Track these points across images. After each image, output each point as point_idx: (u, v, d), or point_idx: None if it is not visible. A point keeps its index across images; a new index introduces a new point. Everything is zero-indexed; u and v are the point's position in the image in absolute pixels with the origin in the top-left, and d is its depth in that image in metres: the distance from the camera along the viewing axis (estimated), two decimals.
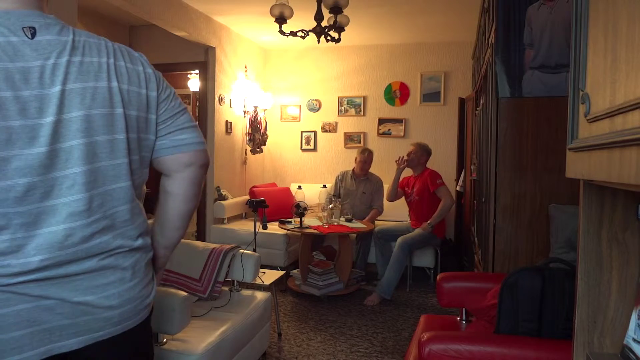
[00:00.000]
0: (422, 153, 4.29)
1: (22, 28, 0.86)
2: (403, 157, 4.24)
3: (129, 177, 1.00)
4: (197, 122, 1.20)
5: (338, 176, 4.82)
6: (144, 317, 1.06)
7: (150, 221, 1.15)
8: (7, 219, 0.85)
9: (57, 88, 0.88)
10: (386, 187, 4.56)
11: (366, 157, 4.58)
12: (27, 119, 0.85)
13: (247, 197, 4.94)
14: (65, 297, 0.92)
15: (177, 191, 1.11)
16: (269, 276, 3.10)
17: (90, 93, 0.92)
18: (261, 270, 2.95)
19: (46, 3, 0.95)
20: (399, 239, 4.02)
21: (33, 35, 0.87)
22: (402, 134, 5.50)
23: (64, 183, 0.90)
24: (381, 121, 5.57)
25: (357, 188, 4.64)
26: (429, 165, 4.41)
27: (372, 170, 4.77)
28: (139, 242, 1.03)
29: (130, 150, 0.99)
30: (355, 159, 4.67)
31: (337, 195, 4.66)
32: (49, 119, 0.87)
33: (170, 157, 1.08)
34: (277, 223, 4.34)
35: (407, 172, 4.40)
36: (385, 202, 4.59)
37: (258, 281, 2.96)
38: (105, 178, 0.95)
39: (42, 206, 0.88)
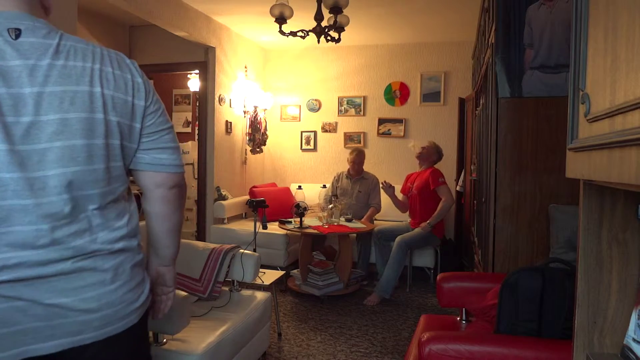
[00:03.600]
0: (434, 152, 4.34)
1: (7, 29, 0.87)
2: (386, 182, 4.29)
3: (107, 183, 0.98)
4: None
5: (334, 177, 4.85)
6: (130, 322, 1.02)
7: (142, 223, 1.14)
8: None
9: (34, 89, 0.87)
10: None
11: (354, 157, 4.61)
12: (1, 115, 0.84)
13: (247, 197, 4.95)
14: (38, 299, 0.90)
15: (153, 210, 1.13)
16: (269, 276, 3.10)
17: (70, 97, 0.91)
18: (261, 270, 2.95)
19: (41, 7, 0.95)
20: (398, 238, 4.02)
21: (17, 36, 0.87)
22: (402, 134, 5.50)
23: (36, 184, 0.88)
24: (381, 121, 5.57)
25: (352, 188, 4.66)
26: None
27: (372, 170, 4.78)
28: (120, 244, 1.00)
29: (111, 157, 0.98)
30: (348, 160, 4.70)
31: (335, 195, 4.66)
32: (24, 119, 0.86)
33: (145, 172, 1.08)
34: (277, 223, 4.34)
35: (415, 167, 4.49)
36: (382, 200, 4.60)
37: (258, 281, 2.96)
38: (82, 182, 0.94)
39: (14, 204, 0.87)
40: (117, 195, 1.03)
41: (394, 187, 4.29)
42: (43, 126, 0.88)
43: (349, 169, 4.72)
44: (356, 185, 4.66)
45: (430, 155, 4.32)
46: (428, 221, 4.06)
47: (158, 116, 1.07)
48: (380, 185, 4.34)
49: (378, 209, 4.62)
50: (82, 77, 0.93)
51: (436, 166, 4.41)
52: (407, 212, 4.45)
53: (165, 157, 1.08)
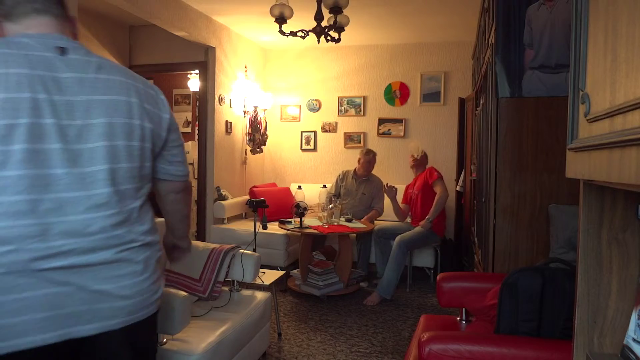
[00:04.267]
0: (424, 157, 4.49)
1: (54, 47, 1.03)
2: (389, 185, 4.34)
3: (140, 180, 1.14)
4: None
5: (339, 175, 4.82)
6: (151, 312, 1.16)
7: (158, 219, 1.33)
8: (35, 204, 0.96)
9: (84, 97, 1.03)
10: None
11: (370, 158, 4.60)
12: (58, 119, 0.99)
13: (247, 197, 4.95)
14: (85, 285, 1.02)
15: (165, 208, 1.39)
16: (269, 276, 3.10)
17: (114, 104, 1.07)
18: (261, 270, 2.95)
19: (71, 32, 1.12)
20: (397, 238, 4.03)
21: (64, 53, 1.04)
22: (402, 134, 5.50)
23: (87, 178, 1.02)
24: (381, 121, 5.57)
25: (357, 189, 4.64)
26: (430, 164, 4.54)
27: (372, 170, 4.77)
28: (149, 238, 1.16)
29: (144, 157, 1.15)
30: (359, 160, 4.66)
31: (337, 195, 4.66)
32: (76, 122, 1.02)
33: (160, 181, 1.29)
34: (277, 223, 4.34)
35: (410, 178, 4.58)
36: (385, 204, 4.60)
37: (258, 281, 2.96)
38: (123, 177, 1.09)
39: (67, 196, 1.00)
40: (146, 193, 1.19)
41: (396, 189, 4.31)
42: (92, 128, 1.04)
43: (355, 169, 4.70)
44: (361, 186, 4.64)
45: (423, 161, 4.48)
46: (427, 217, 4.09)
47: (176, 131, 1.26)
48: (383, 189, 4.34)
49: (380, 213, 4.62)
50: (122, 89, 1.10)
51: (434, 166, 4.48)
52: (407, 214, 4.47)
53: (176, 169, 1.30)
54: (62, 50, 1.03)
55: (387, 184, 4.34)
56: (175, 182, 1.32)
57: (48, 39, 1.03)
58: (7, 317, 0.94)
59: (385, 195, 4.50)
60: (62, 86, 1.00)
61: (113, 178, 1.06)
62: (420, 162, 4.45)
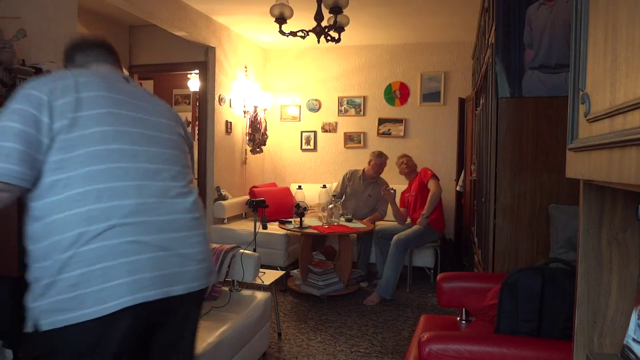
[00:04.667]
0: (411, 162, 4.55)
1: (123, 77, 1.37)
2: (387, 187, 4.38)
3: (188, 170, 1.41)
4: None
5: (346, 174, 4.78)
6: (211, 282, 1.35)
7: None
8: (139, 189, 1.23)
9: (155, 118, 1.33)
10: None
11: (382, 161, 4.59)
12: (144, 129, 1.28)
13: (247, 197, 4.94)
14: (176, 249, 1.22)
15: None
16: (269, 276, 3.10)
17: (166, 124, 1.36)
18: (261, 270, 2.95)
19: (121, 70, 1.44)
20: (394, 237, 4.03)
21: (128, 82, 1.37)
22: (402, 134, 5.50)
23: (169, 159, 1.31)
24: (381, 121, 5.57)
25: (364, 190, 4.63)
26: (429, 164, 4.59)
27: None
28: (199, 213, 1.35)
29: (186, 159, 1.43)
30: (369, 161, 4.64)
31: (340, 195, 4.64)
32: (154, 133, 1.30)
33: None
34: (277, 223, 4.34)
35: (405, 184, 4.64)
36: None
37: (258, 281, 2.96)
38: (183, 166, 1.37)
39: (150, 167, 1.27)
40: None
41: (394, 191, 4.33)
42: (161, 139, 1.32)
43: (364, 169, 4.68)
44: (368, 188, 4.62)
45: (414, 166, 4.54)
46: (422, 213, 4.11)
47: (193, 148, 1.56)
48: (382, 192, 4.35)
49: (383, 215, 4.62)
50: (169, 110, 1.42)
51: (434, 166, 4.54)
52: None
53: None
54: (127, 80, 1.37)
55: (385, 187, 4.37)
56: None
57: (116, 73, 1.37)
58: (123, 276, 1.12)
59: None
60: (138, 107, 1.30)
61: (181, 164, 1.35)
62: (412, 168, 4.51)
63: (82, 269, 1.10)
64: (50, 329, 1.09)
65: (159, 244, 1.19)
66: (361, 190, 4.63)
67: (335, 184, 5.03)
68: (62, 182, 1.12)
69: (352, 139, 5.68)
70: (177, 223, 1.24)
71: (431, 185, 4.21)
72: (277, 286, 3.61)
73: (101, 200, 1.14)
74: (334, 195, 4.60)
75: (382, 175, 4.69)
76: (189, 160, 1.44)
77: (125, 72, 1.49)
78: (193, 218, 1.29)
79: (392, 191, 4.30)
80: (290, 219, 4.21)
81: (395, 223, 4.49)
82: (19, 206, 1.17)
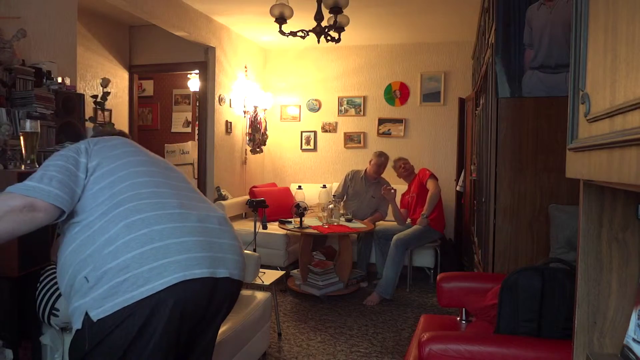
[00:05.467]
0: (408, 164, 4.54)
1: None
2: (388, 187, 4.38)
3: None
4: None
5: (348, 175, 4.76)
6: (242, 278, 1.38)
7: None
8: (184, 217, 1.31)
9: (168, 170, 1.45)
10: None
11: (382, 161, 4.58)
12: (169, 180, 1.39)
13: (247, 197, 4.94)
14: (218, 239, 1.30)
15: None
16: (269, 276, 3.10)
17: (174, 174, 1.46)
18: (261, 270, 2.95)
19: None
20: (394, 237, 4.04)
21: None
22: (402, 134, 5.50)
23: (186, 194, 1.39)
24: (381, 121, 5.57)
25: (366, 191, 4.62)
26: (429, 164, 4.59)
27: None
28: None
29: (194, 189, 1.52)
30: (370, 161, 4.64)
31: (341, 195, 4.64)
32: (172, 182, 1.39)
33: None
34: (277, 223, 4.33)
35: (404, 185, 4.63)
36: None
37: (258, 281, 2.96)
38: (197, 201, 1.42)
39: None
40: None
41: (395, 190, 4.33)
42: (177, 177, 1.43)
43: (366, 170, 4.67)
44: (370, 189, 4.61)
45: (411, 168, 4.55)
46: (422, 213, 4.11)
47: None
48: (382, 192, 4.35)
49: (384, 216, 4.62)
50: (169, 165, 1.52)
51: (434, 166, 4.55)
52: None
53: None
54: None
55: (385, 187, 4.36)
56: None
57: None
58: (173, 255, 1.17)
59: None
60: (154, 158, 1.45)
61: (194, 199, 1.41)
62: (409, 170, 4.52)
63: (132, 252, 1.14)
64: (103, 316, 1.11)
65: (202, 230, 1.26)
66: (363, 190, 4.63)
67: (335, 184, 5.03)
68: (104, 196, 1.24)
69: (352, 139, 5.68)
70: (214, 218, 1.34)
71: (430, 185, 4.22)
72: (277, 286, 3.61)
73: (143, 198, 1.25)
74: (334, 196, 4.60)
75: (384, 177, 4.68)
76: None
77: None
78: (224, 217, 1.39)
79: (392, 191, 4.30)
80: (290, 219, 4.21)
81: (396, 223, 4.49)
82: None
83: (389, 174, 4.79)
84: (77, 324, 1.15)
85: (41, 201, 1.13)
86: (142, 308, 1.11)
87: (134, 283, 1.11)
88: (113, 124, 2.88)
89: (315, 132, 5.81)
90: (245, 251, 2.67)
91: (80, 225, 1.21)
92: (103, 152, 1.31)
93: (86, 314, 1.12)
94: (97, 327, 1.12)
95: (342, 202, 4.48)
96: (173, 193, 1.32)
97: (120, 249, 1.14)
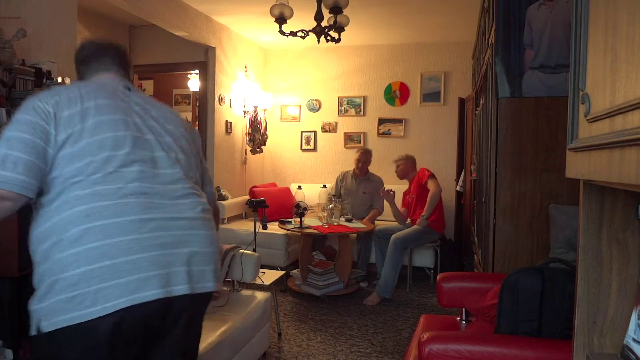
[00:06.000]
0: (407, 162, 4.48)
1: (124, 86, 1.36)
2: (386, 189, 4.38)
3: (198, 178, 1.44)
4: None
5: (339, 176, 4.84)
6: (219, 286, 1.34)
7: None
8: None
9: (154, 112, 1.34)
10: (385, 187, 4.68)
11: (360, 156, 4.62)
12: (137, 132, 1.26)
13: (247, 197, 4.94)
14: (183, 248, 1.22)
15: None
16: (269, 276, 3.10)
17: (172, 130, 1.36)
18: (261, 270, 2.95)
19: (129, 75, 1.46)
20: (393, 236, 4.04)
21: (129, 90, 1.36)
22: (402, 134, 5.50)
23: (164, 161, 1.29)
24: (381, 121, 5.57)
25: (357, 188, 4.65)
26: (429, 164, 4.55)
27: (372, 170, 4.78)
28: (209, 215, 1.41)
29: (197, 167, 1.45)
30: (355, 159, 4.68)
31: (337, 195, 4.66)
32: (151, 122, 1.31)
33: None
34: (277, 223, 4.33)
35: (405, 186, 4.61)
36: (385, 206, 4.61)
37: (258, 281, 2.96)
38: (189, 169, 1.37)
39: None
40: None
41: (393, 192, 4.33)
42: (170, 129, 1.35)
43: (354, 169, 4.72)
44: (361, 185, 4.65)
45: (407, 167, 4.47)
46: (422, 214, 4.10)
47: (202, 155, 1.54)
48: (380, 194, 4.35)
49: (381, 211, 4.63)
50: (176, 118, 1.42)
51: (434, 166, 4.53)
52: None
53: (209, 190, 1.51)
54: (128, 88, 1.36)
55: (383, 189, 4.37)
56: (213, 201, 1.49)
57: (119, 80, 1.38)
58: (123, 276, 1.12)
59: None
60: (137, 103, 1.32)
61: (181, 165, 1.33)
62: (406, 170, 4.46)
63: (82, 268, 1.09)
64: (52, 330, 1.09)
65: (162, 242, 1.18)
66: (354, 188, 4.66)
67: None
68: (68, 188, 1.14)
69: (352, 139, 5.67)
70: (183, 221, 1.24)
71: (430, 185, 4.20)
72: (277, 286, 3.61)
73: (103, 199, 1.14)
74: (333, 195, 4.61)
75: (383, 174, 4.70)
76: (198, 163, 1.43)
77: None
78: (200, 218, 1.28)
79: (391, 192, 4.30)
80: (290, 219, 4.21)
81: (396, 224, 4.49)
82: (20, 208, 1.17)
83: (387, 173, 4.80)
84: (33, 330, 1.13)
85: (6, 191, 1.07)
86: (86, 330, 1.09)
87: (81, 303, 1.08)
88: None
89: (315, 132, 5.81)
90: (246, 251, 2.69)
91: (43, 209, 1.15)
92: (74, 122, 1.16)
93: (39, 322, 1.10)
94: (47, 339, 1.10)
95: (340, 202, 4.49)
96: (145, 187, 1.20)
97: (70, 260, 1.09)
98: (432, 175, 4.28)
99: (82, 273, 1.09)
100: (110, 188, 1.15)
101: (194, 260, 1.23)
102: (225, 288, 2.66)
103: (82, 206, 1.12)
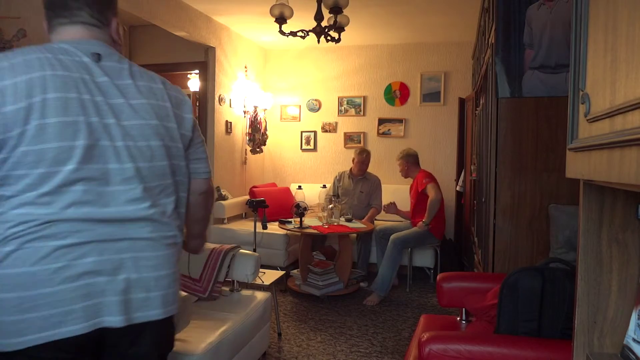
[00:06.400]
0: (406, 161, 4.40)
1: (90, 53, 1.10)
2: (386, 204, 4.41)
3: (172, 177, 1.24)
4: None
5: (336, 177, 4.85)
6: (168, 312, 1.21)
7: None
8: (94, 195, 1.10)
9: (120, 100, 1.11)
10: (384, 187, 4.76)
11: (364, 158, 4.61)
12: (101, 118, 1.07)
13: (247, 197, 4.94)
14: (124, 274, 1.10)
15: (188, 207, 1.34)
16: (269, 276, 3.10)
17: (145, 108, 1.14)
18: (261, 270, 2.95)
19: (111, 40, 1.19)
20: (392, 236, 4.04)
21: (99, 59, 1.11)
22: (402, 134, 5.50)
23: (118, 175, 1.09)
24: (381, 121, 5.57)
25: (354, 188, 4.66)
26: (428, 164, 4.49)
27: (372, 170, 4.78)
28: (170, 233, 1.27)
29: (178, 156, 1.24)
30: (353, 159, 4.69)
31: (335, 195, 4.66)
32: (124, 123, 1.10)
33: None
34: (277, 223, 4.34)
35: (408, 185, 4.61)
36: (384, 201, 4.62)
37: (258, 281, 2.96)
38: (154, 178, 1.18)
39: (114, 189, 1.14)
40: (179, 192, 1.27)
41: (394, 203, 4.37)
42: (135, 127, 1.12)
43: (351, 169, 4.73)
44: (358, 185, 4.66)
45: (408, 165, 4.40)
46: (423, 220, 4.10)
47: (198, 130, 1.32)
48: (384, 211, 4.39)
49: (379, 210, 4.63)
50: (155, 94, 1.17)
51: (435, 166, 4.50)
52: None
53: (201, 166, 1.34)
54: (98, 57, 1.11)
55: (384, 206, 4.41)
56: (199, 179, 1.34)
57: (84, 45, 1.11)
58: (42, 309, 1.00)
59: (382, 192, 4.61)
60: (102, 90, 1.08)
61: (142, 176, 1.12)
62: (409, 165, 4.38)
63: (2, 294, 0.99)
64: None
65: (94, 269, 1.04)
66: (351, 188, 4.68)
67: None
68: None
69: (352, 139, 5.67)
70: (124, 243, 1.09)
71: (430, 192, 4.13)
72: (277, 286, 3.61)
73: (30, 223, 1.00)
74: (333, 195, 4.61)
75: (382, 174, 4.70)
76: (176, 160, 1.22)
77: (122, 30, 1.25)
78: (148, 239, 1.12)
79: (391, 204, 4.36)
80: (290, 219, 4.21)
81: (396, 223, 4.51)
82: None
83: (388, 173, 4.80)
84: None
85: None
86: None
87: None
88: None
89: (315, 132, 5.81)
90: (246, 251, 2.69)
91: None
92: (15, 123, 0.97)
93: None
94: None
95: (340, 202, 4.49)
96: (84, 213, 1.04)
97: None
98: (432, 181, 4.20)
99: (1, 300, 0.99)
100: (41, 213, 1.00)
101: (137, 287, 1.10)
102: (225, 288, 2.66)
103: (18, 228, 1.00)
